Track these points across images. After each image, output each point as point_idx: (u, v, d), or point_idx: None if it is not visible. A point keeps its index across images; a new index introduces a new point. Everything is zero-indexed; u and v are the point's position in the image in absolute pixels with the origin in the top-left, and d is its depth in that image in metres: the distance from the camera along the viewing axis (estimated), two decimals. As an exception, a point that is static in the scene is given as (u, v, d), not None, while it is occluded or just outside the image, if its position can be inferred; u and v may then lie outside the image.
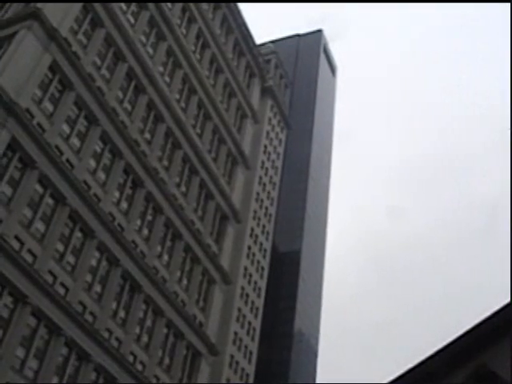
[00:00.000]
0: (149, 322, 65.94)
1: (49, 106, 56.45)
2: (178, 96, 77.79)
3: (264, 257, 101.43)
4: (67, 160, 57.12)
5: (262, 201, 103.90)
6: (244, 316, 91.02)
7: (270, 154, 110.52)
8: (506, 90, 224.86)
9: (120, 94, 67.04)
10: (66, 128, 58.20)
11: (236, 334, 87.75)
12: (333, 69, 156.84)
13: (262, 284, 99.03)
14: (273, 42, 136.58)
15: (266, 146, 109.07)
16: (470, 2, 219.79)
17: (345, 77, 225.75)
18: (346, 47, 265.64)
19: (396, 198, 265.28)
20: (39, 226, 53.17)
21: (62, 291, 54.07)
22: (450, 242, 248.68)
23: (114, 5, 66.84)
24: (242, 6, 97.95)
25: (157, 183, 69.35)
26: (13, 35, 54.85)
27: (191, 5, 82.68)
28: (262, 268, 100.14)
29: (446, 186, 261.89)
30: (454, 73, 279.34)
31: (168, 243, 71.42)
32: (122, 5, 69.19)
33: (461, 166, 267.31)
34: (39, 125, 54.47)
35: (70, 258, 56.21)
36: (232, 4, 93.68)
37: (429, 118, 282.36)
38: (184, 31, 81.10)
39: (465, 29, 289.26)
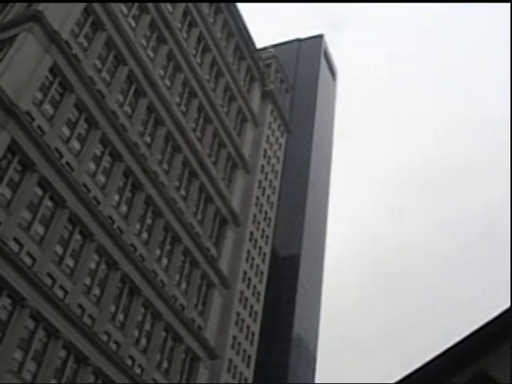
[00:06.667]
0: (147, 326, 65.85)
1: (49, 109, 56.45)
2: (178, 99, 77.83)
3: (263, 261, 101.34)
4: (67, 163, 57.12)
5: (261, 205, 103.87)
6: (243, 320, 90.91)
7: (269, 158, 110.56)
8: (506, 92, 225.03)
9: (120, 97, 67.07)
10: (66, 131, 58.19)
11: (235, 338, 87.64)
12: (333, 73, 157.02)
13: (261, 288, 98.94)
14: (273, 46, 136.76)
15: (265, 150, 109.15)
16: (470, 2, 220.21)
17: (346, 78, 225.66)
18: (346, 48, 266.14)
19: (396, 201, 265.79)
20: (38, 228, 53.12)
21: (60, 294, 54.00)
22: (450, 246, 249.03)
23: (115, 8, 66.93)
24: (242, 9, 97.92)
25: (156, 186, 69.32)
26: (14, 37, 54.89)
27: (192, 9, 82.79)
28: (261, 272, 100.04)
29: (446, 190, 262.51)
30: (453, 74, 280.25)
31: (167, 247, 71.36)
32: (123, 8, 69.29)
33: (461, 169, 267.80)
34: (39, 127, 54.46)
35: (69, 261, 56.16)
36: (233, 8, 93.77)
37: (430, 120, 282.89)
38: (185, 35, 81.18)
39: (464, 29, 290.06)
